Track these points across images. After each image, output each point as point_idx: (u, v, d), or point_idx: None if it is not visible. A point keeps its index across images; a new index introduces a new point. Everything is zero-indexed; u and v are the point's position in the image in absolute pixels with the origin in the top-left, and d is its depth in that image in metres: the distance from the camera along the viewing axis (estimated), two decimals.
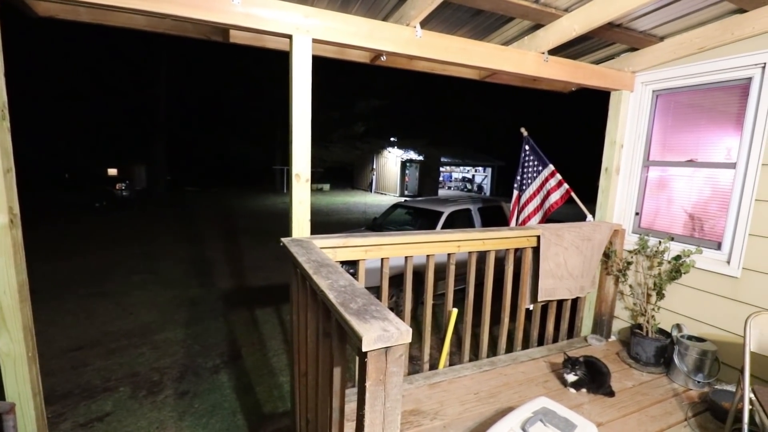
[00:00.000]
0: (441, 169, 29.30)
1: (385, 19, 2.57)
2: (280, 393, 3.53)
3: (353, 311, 1.20)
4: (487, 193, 28.91)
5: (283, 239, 2.20)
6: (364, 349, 1.05)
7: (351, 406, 2.13)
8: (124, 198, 18.31)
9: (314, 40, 2.17)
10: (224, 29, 2.55)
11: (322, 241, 2.23)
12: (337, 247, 2.30)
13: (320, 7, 2.26)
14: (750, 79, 2.72)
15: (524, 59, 2.80)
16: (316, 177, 27.36)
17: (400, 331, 1.08)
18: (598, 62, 3.38)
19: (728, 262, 2.80)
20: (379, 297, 2.59)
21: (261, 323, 5.03)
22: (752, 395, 1.95)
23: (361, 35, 2.27)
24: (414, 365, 3.57)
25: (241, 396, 3.49)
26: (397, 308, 4.93)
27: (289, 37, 2.12)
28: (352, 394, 2.34)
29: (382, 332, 1.06)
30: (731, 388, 2.49)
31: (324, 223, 13.95)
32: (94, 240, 9.89)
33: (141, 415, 3.20)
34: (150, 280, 6.73)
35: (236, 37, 2.61)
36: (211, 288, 6.44)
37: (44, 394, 3.32)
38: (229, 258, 8.51)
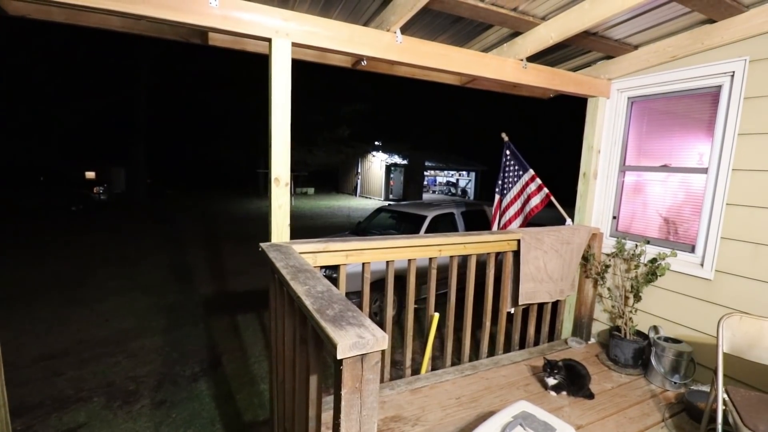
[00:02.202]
0: (425, 173, 29.47)
1: (366, 24, 2.58)
2: (260, 401, 3.47)
3: (329, 318, 1.18)
4: (471, 197, 29.18)
5: (261, 244, 2.17)
6: (339, 357, 1.03)
7: (329, 414, 2.10)
8: (102, 201, 17.90)
9: (294, 44, 2.16)
10: (202, 32, 2.51)
11: (301, 246, 2.20)
12: (317, 252, 2.27)
13: (301, 11, 2.24)
14: (720, 87, 2.81)
15: (503, 66, 2.84)
16: (301, 181, 27.17)
17: (376, 338, 1.07)
18: (575, 69, 3.46)
19: (702, 265, 2.88)
20: (361, 302, 2.58)
21: (242, 329, 4.95)
22: (725, 396, 1.99)
23: (341, 40, 2.27)
24: (397, 370, 3.56)
25: (220, 405, 3.41)
26: (381, 313, 4.91)
27: (269, 40, 2.10)
28: (330, 402, 2.31)
29: (358, 339, 1.05)
30: (706, 388, 2.56)
31: (308, 227, 13.84)
32: (70, 245, 9.59)
33: (116, 425, 3.10)
34: (127, 285, 6.55)
35: (215, 39, 2.58)
36: (191, 294, 6.31)
37: (13, 405, 3.19)
38: (210, 263, 8.36)
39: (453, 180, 33.55)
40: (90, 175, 21.60)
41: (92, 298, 5.88)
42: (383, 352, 2.70)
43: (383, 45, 2.41)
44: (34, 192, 19.43)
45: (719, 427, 1.95)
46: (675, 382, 2.75)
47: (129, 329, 4.86)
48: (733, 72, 2.68)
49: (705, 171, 2.91)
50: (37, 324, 4.91)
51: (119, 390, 3.58)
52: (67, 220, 13.44)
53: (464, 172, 32.28)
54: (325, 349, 1.19)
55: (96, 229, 12.00)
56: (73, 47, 18.83)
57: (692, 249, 2.99)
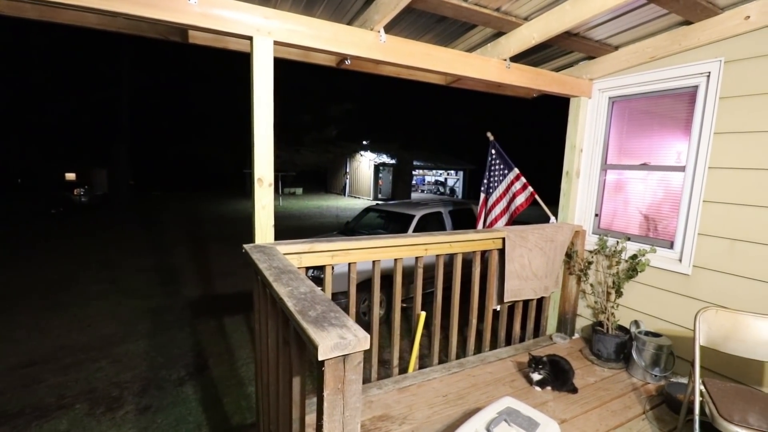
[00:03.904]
0: (414, 172, 29.55)
1: (349, 23, 2.57)
2: (248, 404, 3.44)
3: (311, 319, 1.17)
4: (460, 196, 29.36)
5: (245, 246, 2.15)
6: (320, 358, 1.03)
7: (314, 416, 2.09)
8: (83, 204, 17.50)
9: (276, 43, 2.14)
10: (182, 29, 2.47)
11: (286, 247, 2.19)
12: (302, 253, 2.26)
13: (283, 9, 2.23)
14: (696, 87, 2.88)
15: (487, 66, 2.86)
16: (289, 181, 26.99)
17: (358, 338, 1.07)
18: (558, 69, 3.50)
19: (680, 260, 2.94)
20: (348, 302, 2.58)
21: (229, 332, 4.90)
22: (702, 387, 2.04)
23: (325, 39, 2.26)
24: (386, 369, 3.56)
25: (207, 408, 3.37)
26: (370, 312, 4.91)
27: (250, 38, 2.08)
28: (315, 403, 2.30)
29: (339, 340, 1.05)
30: (685, 380, 2.61)
31: (297, 227, 13.77)
32: (50, 249, 9.36)
33: None
34: (110, 290, 6.42)
35: (196, 37, 2.54)
36: (177, 297, 6.21)
37: None
38: (196, 265, 8.25)
39: (441, 179, 33.73)
40: (70, 176, 21.10)
41: (74, 303, 5.75)
42: (371, 351, 2.71)
43: (367, 44, 2.40)
44: (11, 195, 18.90)
45: (696, 417, 2.01)
46: (655, 375, 2.82)
47: (112, 334, 4.77)
48: (709, 72, 2.75)
49: (683, 169, 2.98)
50: (17, 330, 4.78)
51: (102, 396, 3.51)
52: (46, 223, 13.11)
53: (452, 171, 32.47)
54: (308, 350, 1.18)
55: (77, 232, 11.74)
56: (51, 45, 18.36)
57: (671, 245, 3.06)
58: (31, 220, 13.40)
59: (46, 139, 22.38)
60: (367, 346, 1.09)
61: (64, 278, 6.96)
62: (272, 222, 2.26)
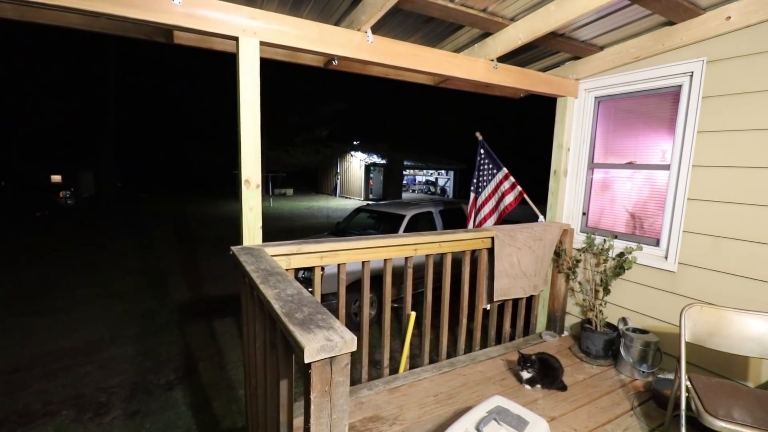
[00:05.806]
0: (405, 172, 29.59)
1: (337, 23, 2.56)
2: (238, 407, 3.41)
3: (298, 321, 1.17)
4: (451, 196, 29.47)
5: (233, 247, 2.13)
6: (306, 360, 1.02)
7: (302, 420, 2.07)
8: (69, 206, 17.20)
9: (262, 43, 2.13)
10: (167, 30, 2.44)
11: (274, 249, 2.17)
12: (290, 255, 2.25)
13: (269, 10, 2.21)
14: (680, 86, 2.92)
15: (475, 66, 2.88)
16: (279, 181, 26.85)
17: (345, 340, 1.06)
18: (544, 70, 3.53)
19: (666, 258, 2.99)
20: (337, 303, 2.57)
21: (219, 335, 4.85)
22: (688, 383, 2.07)
23: (311, 39, 2.25)
24: (377, 370, 3.56)
25: (196, 413, 3.34)
26: (361, 313, 4.91)
27: (236, 39, 2.07)
28: (301, 406, 2.29)
29: (326, 342, 1.04)
30: (672, 376, 2.65)
31: (288, 228, 13.69)
32: (35, 252, 9.18)
33: None
34: (97, 293, 6.32)
35: (180, 38, 2.51)
36: (166, 300, 6.14)
37: None
38: (185, 268, 8.15)
39: (432, 179, 33.83)
40: (56, 178, 20.68)
41: (60, 307, 5.65)
42: (361, 352, 2.70)
43: (354, 45, 2.40)
44: None
45: (683, 413, 2.03)
46: (643, 372, 2.85)
47: (100, 338, 4.69)
48: (692, 72, 2.79)
49: (667, 168, 3.02)
50: (1, 335, 4.69)
51: (89, 402, 3.45)
52: (31, 226, 12.86)
53: (443, 171, 32.58)
54: (295, 353, 1.17)
55: (63, 235, 11.53)
56: (37, 45, 18.02)
57: (657, 243, 3.10)
58: (15, 223, 13.12)
59: (32, 140, 21.94)
60: (354, 348, 1.08)
61: (49, 282, 6.84)
62: (260, 223, 2.24)
